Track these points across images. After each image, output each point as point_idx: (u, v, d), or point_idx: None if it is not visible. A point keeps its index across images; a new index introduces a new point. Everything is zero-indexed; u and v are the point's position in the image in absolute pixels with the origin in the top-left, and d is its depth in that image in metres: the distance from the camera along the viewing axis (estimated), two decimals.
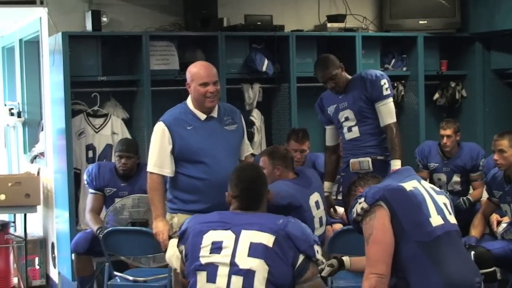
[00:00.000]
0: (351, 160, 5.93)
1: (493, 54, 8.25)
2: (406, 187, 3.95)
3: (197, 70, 5.12)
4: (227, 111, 5.27)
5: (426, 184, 4.13)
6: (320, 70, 6.05)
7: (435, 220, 3.89)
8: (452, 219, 3.96)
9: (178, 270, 4.66)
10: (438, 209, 3.94)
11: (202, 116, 5.14)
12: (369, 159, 5.87)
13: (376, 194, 3.81)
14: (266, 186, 4.14)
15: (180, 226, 4.01)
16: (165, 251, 4.96)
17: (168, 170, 5.06)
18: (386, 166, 5.80)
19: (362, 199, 3.82)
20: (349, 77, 6.11)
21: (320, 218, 5.51)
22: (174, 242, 4.78)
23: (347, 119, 6.04)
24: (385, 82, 5.95)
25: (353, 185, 4.19)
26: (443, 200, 4.02)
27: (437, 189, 4.16)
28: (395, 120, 5.94)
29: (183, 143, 5.04)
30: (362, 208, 3.81)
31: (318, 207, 5.48)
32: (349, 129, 5.96)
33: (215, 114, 5.18)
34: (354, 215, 3.86)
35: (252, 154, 6.87)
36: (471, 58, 8.25)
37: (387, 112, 5.91)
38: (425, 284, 3.79)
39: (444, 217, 3.91)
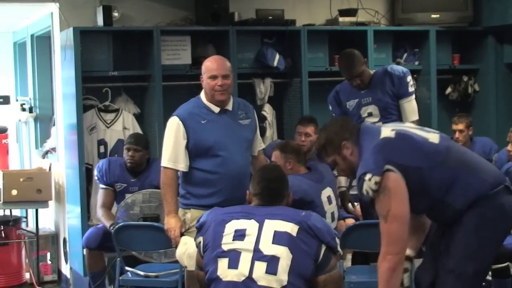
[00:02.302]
0: None
1: (506, 48, 8.22)
2: (388, 135, 3.96)
3: (209, 63, 5.17)
4: (241, 106, 5.30)
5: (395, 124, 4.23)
6: (347, 68, 6.06)
7: (432, 137, 4.00)
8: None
9: (189, 268, 4.78)
10: (424, 130, 4.08)
11: (216, 109, 5.16)
12: None
13: (378, 162, 3.83)
14: (287, 188, 4.13)
15: (198, 220, 4.02)
16: (176, 248, 4.99)
17: (182, 165, 5.07)
18: None
19: (369, 175, 3.81)
20: (371, 71, 6.13)
21: (332, 213, 5.60)
22: (185, 239, 4.96)
23: (370, 114, 6.07)
24: (410, 79, 6.04)
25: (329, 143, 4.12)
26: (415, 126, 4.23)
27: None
28: (417, 117, 6.00)
29: (198, 137, 5.06)
30: (376, 183, 3.80)
31: (330, 202, 5.58)
32: None
33: (229, 107, 5.21)
34: (371, 194, 3.84)
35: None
36: (483, 52, 8.20)
37: (411, 109, 5.98)
38: (474, 184, 3.88)
39: (433, 132, 4.11)
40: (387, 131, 3.99)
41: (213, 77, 5.08)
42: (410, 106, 5.98)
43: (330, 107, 6.39)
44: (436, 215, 4.11)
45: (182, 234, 5.03)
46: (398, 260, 3.81)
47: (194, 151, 5.08)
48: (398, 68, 6.16)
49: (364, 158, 3.94)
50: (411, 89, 6.06)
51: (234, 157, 5.13)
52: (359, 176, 3.91)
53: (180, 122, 5.07)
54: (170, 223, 5.06)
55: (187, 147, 5.06)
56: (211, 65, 5.16)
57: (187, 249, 4.84)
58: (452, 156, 3.97)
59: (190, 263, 4.39)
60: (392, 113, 5.96)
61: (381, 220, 3.84)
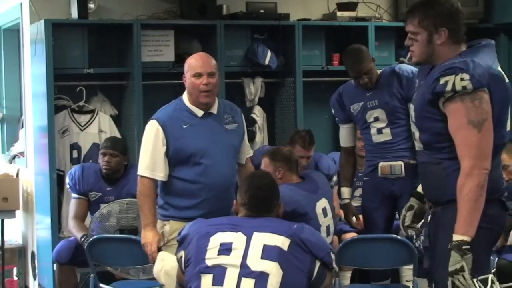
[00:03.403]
0: (381, 164, 5.84)
1: None
2: (503, 77, 3.87)
3: (193, 60, 5.10)
4: (227, 109, 5.22)
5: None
6: (354, 64, 5.95)
7: (509, 124, 3.98)
8: None
9: (166, 287, 4.79)
10: None
11: (199, 113, 5.06)
12: (402, 163, 5.75)
13: (482, 78, 3.71)
14: (278, 197, 4.13)
15: (179, 232, 4.04)
16: (154, 263, 4.96)
17: (161, 173, 4.99)
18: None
19: (467, 75, 3.68)
20: (378, 71, 6.02)
21: (328, 227, 5.52)
22: (162, 255, 4.91)
23: (376, 119, 5.94)
24: None
25: None
26: None
27: None
28: None
29: (178, 144, 4.98)
30: (463, 87, 3.68)
31: (325, 214, 5.48)
32: (379, 131, 5.85)
33: (214, 110, 5.11)
34: (448, 87, 3.72)
35: None
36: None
37: None
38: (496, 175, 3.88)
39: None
40: (501, 72, 3.93)
41: (198, 75, 4.99)
42: None
43: (333, 111, 6.30)
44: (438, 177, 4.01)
45: (159, 249, 4.97)
46: (485, 178, 3.73)
47: (174, 158, 5.00)
48: (407, 68, 6.02)
49: (467, 62, 3.78)
50: None
51: (218, 165, 5.07)
52: (451, 67, 3.78)
53: (160, 127, 4.99)
54: (147, 237, 4.98)
55: (166, 154, 4.99)
56: (195, 62, 5.07)
57: (163, 266, 4.82)
58: (499, 151, 3.97)
59: (167, 282, 4.39)
60: (401, 118, 5.81)
61: (471, 128, 3.72)
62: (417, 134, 4.03)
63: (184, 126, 5.04)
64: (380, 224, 5.89)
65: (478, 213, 3.76)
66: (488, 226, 3.88)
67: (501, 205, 3.96)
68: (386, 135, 5.79)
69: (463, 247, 3.70)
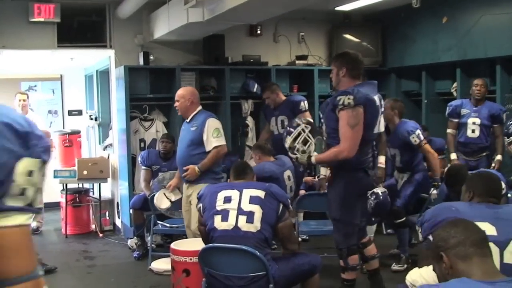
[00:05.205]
0: None
1: (402, 81, 8.09)
2: (375, 101, 3.89)
3: None
4: (196, 119, 5.14)
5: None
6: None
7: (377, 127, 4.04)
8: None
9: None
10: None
11: (186, 120, 5.23)
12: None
13: (360, 99, 3.78)
14: (250, 168, 4.06)
15: (198, 192, 3.93)
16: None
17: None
18: None
19: (352, 96, 3.76)
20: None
21: (291, 187, 5.53)
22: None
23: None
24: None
25: None
26: None
27: None
28: None
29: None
30: (348, 103, 3.76)
31: (289, 179, 5.50)
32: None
33: (188, 119, 5.18)
34: (340, 102, 3.79)
35: (249, 147, 6.95)
36: (388, 84, 8.07)
37: None
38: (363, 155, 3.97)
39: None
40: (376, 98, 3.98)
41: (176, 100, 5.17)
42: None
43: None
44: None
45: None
46: (344, 156, 3.85)
47: None
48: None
49: (353, 89, 3.86)
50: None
51: (180, 149, 5.21)
52: (343, 91, 3.88)
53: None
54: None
55: None
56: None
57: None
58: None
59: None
60: None
61: (348, 128, 3.82)
62: (323, 128, 4.12)
63: (182, 126, 5.33)
64: None
65: (328, 162, 4.04)
66: (356, 182, 4.03)
67: (364, 172, 4.06)
68: None
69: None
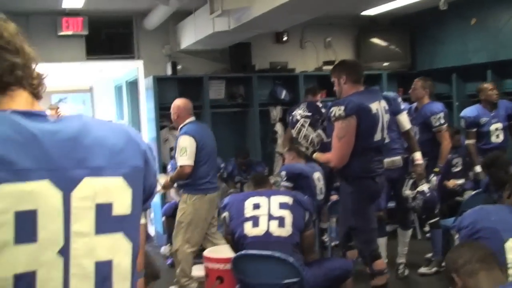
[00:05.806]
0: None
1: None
2: (370, 109, 3.84)
3: None
4: (183, 128, 5.12)
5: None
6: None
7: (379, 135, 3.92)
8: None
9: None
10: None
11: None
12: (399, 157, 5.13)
13: (351, 110, 3.75)
14: (269, 180, 4.10)
15: (221, 201, 3.93)
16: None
17: None
18: None
19: (343, 107, 3.75)
20: None
21: (321, 189, 5.42)
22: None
23: None
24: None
25: None
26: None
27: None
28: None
29: None
30: (340, 114, 3.76)
31: (319, 180, 5.39)
32: None
33: (179, 128, 5.17)
34: (333, 114, 3.80)
35: (278, 153, 6.91)
36: None
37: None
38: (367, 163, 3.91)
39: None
40: (374, 107, 3.89)
41: None
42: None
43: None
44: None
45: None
46: (334, 164, 3.90)
47: None
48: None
49: (345, 100, 3.85)
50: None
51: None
52: (335, 102, 3.87)
53: None
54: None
55: None
56: None
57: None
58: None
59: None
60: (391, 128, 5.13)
61: (336, 139, 3.82)
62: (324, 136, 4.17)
63: None
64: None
65: (324, 163, 4.04)
66: (363, 189, 3.95)
67: (372, 179, 3.96)
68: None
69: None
